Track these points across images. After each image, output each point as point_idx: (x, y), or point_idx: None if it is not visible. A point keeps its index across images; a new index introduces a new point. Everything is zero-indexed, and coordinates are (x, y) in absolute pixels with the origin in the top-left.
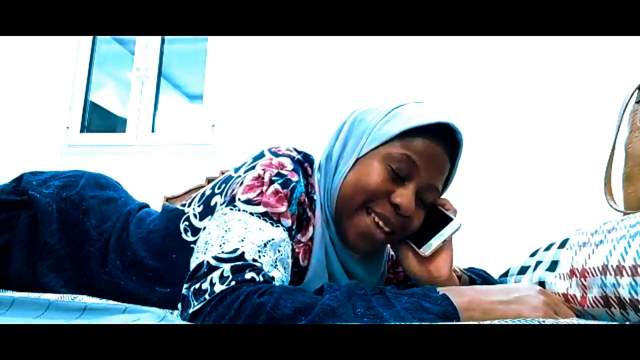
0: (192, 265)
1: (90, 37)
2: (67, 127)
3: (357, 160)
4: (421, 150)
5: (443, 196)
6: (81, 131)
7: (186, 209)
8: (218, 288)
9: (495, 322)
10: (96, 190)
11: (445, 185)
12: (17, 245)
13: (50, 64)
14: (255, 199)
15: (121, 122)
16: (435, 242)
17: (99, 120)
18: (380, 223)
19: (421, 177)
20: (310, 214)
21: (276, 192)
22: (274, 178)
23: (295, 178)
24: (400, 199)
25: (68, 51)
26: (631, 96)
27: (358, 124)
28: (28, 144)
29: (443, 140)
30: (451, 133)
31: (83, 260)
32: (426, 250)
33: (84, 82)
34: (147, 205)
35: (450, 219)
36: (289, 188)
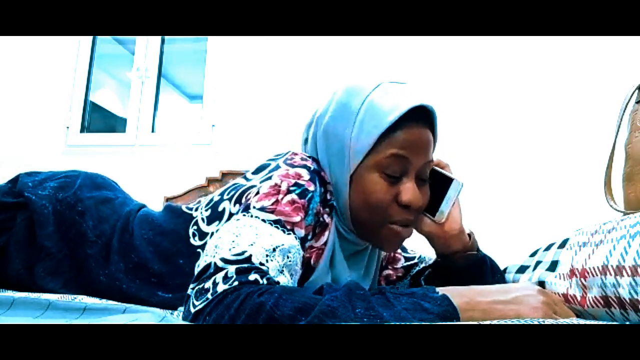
0: (199, 267)
1: (90, 37)
2: (67, 127)
3: (350, 177)
4: (405, 142)
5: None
6: (81, 131)
7: (194, 213)
8: (220, 288)
9: (495, 322)
10: (92, 191)
11: (433, 149)
12: (14, 247)
13: (50, 64)
14: (269, 207)
15: (121, 122)
16: (445, 208)
17: (99, 120)
18: (401, 229)
19: (415, 164)
20: (328, 220)
21: (292, 201)
22: (291, 188)
23: (312, 188)
24: (407, 198)
25: (68, 51)
26: (631, 96)
27: (332, 139)
28: (28, 144)
29: (416, 118)
30: (420, 106)
31: (80, 262)
32: (441, 217)
33: (84, 82)
34: (144, 206)
35: (450, 179)
36: (306, 198)
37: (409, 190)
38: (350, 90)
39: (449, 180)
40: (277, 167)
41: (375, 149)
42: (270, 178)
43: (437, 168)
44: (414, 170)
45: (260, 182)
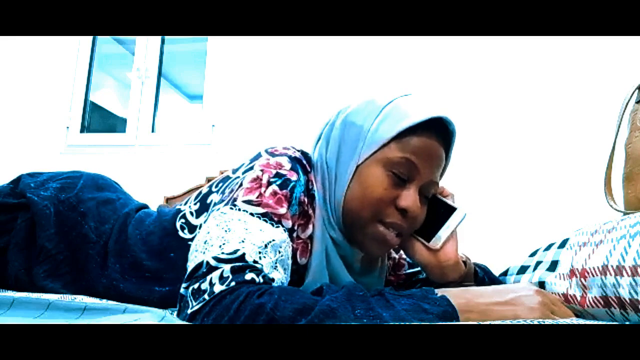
0: (191, 265)
1: (90, 37)
2: (67, 127)
3: (356, 167)
4: (419, 150)
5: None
6: (81, 131)
7: (182, 207)
8: (217, 288)
9: (494, 322)
10: (94, 192)
11: (441, 174)
12: (14, 248)
13: (50, 64)
14: (255, 200)
15: (121, 122)
16: (443, 234)
17: (99, 120)
18: (392, 230)
19: (422, 176)
20: (310, 211)
21: (274, 193)
22: (272, 179)
23: (294, 177)
24: (405, 203)
25: (68, 51)
26: (631, 96)
27: (349, 127)
28: (28, 144)
29: (437, 133)
30: (443, 123)
31: (82, 263)
32: (436, 243)
33: (84, 82)
34: (145, 206)
35: (453, 208)
36: (288, 188)
37: (409, 196)
38: (379, 92)
39: (451, 209)
40: (259, 155)
41: (389, 145)
42: (252, 168)
43: (439, 196)
44: (419, 181)
45: (243, 173)
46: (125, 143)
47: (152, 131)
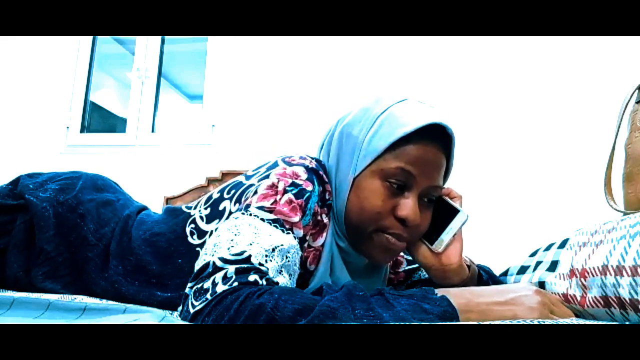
0: (198, 266)
1: (90, 37)
2: (67, 127)
3: (354, 179)
4: (414, 158)
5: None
6: (81, 131)
7: (192, 212)
8: (220, 288)
9: (494, 322)
10: (93, 193)
11: (446, 176)
12: (13, 250)
13: (50, 64)
14: (268, 206)
15: (121, 122)
16: (446, 237)
17: (99, 120)
18: (393, 240)
19: (420, 183)
20: (326, 220)
21: (290, 201)
22: (288, 188)
23: (309, 187)
24: (404, 212)
25: (68, 51)
26: (631, 96)
27: (346, 139)
28: (28, 144)
29: (433, 138)
30: (440, 127)
31: (80, 265)
32: (439, 246)
33: (84, 82)
34: (145, 208)
35: (456, 210)
36: (304, 198)
37: (407, 205)
38: (376, 98)
39: (455, 211)
40: (275, 164)
41: (384, 156)
42: (267, 177)
43: (445, 197)
44: (418, 189)
45: (259, 181)
46: (125, 143)
47: (152, 131)
